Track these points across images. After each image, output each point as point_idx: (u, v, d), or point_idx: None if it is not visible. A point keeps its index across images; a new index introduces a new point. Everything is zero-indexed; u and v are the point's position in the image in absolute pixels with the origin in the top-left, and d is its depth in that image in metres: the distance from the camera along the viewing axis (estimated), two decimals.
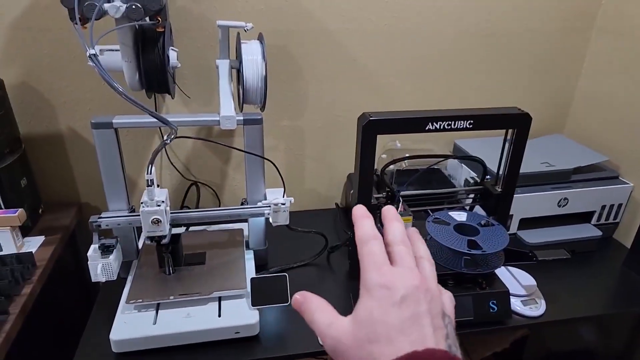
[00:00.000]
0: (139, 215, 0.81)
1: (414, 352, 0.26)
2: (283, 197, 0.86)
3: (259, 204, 0.87)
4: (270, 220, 0.86)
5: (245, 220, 0.93)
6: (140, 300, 0.76)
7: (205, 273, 0.83)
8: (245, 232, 0.96)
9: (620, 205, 1.04)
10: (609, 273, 0.98)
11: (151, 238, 0.78)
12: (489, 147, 1.04)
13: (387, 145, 1.18)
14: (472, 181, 0.97)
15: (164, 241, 0.79)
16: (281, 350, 0.77)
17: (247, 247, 0.94)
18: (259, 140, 0.84)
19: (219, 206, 1.15)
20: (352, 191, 0.93)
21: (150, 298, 0.76)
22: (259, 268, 0.93)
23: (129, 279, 0.83)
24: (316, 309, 0.33)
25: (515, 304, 0.84)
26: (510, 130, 0.84)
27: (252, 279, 0.79)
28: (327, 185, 1.20)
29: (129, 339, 0.71)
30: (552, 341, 0.96)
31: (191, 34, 0.97)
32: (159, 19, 0.71)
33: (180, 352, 0.73)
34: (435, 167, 1.22)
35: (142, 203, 0.72)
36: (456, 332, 0.31)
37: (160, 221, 0.74)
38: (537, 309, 0.84)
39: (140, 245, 0.91)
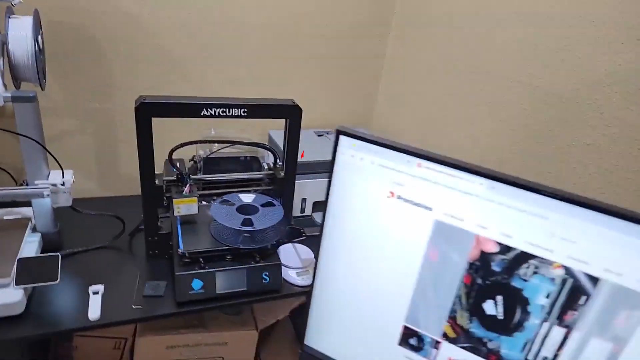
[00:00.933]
0: None
1: None
2: (63, 177, 0.86)
3: (38, 183, 0.85)
4: (50, 201, 0.86)
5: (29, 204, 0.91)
6: None
7: None
8: (30, 215, 0.93)
9: None
10: None
11: None
12: (302, 138, 1.14)
13: (203, 133, 1.22)
14: (266, 167, 1.06)
15: None
16: (50, 326, 0.77)
17: (35, 230, 0.92)
18: (33, 118, 0.82)
19: None
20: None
21: None
22: (50, 252, 0.91)
23: None
24: None
25: (291, 275, 0.94)
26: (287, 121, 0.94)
27: (19, 259, 0.78)
28: None
29: None
30: None
31: None
32: None
33: None
34: (255, 155, 1.30)
35: None
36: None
37: None
38: (308, 279, 0.95)
39: None
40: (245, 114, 0.87)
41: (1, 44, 0.81)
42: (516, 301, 0.58)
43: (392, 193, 0.57)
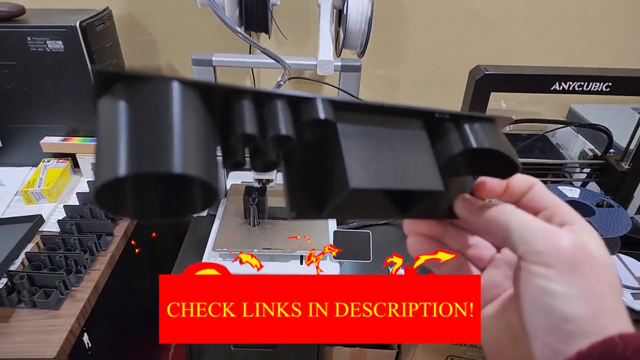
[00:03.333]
0: None
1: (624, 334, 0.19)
2: None
3: None
4: None
5: None
6: (226, 249, 0.77)
7: (289, 228, 0.82)
8: None
9: None
10: None
11: (259, 180, 0.78)
12: (614, 116, 0.91)
13: (490, 105, 1.07)
14: (590, 154, 0.85)
15: (270, 185, 0.79)
16: None
17: None
18: (354, 89, 0.79)
19: None
20: None
21: (235, 248, 0.77)
22: (338, 222, 0.91)
23: (215, 225, 0.83)
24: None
25: (624, 297, 0.75)
26: None
27: (336, 232, 0.78)
28: None
29: None
30: None
31: None
32: None
33: None
34: (543, 133, 1.09)
35: None
36: None
37: None
38: None
39: (227, 186, 0.93)
40: (608, 89, 0.67)
41: (332, 9, 0.78)
42: None
43: None
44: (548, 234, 0.21)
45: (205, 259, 0.77)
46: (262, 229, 0.82)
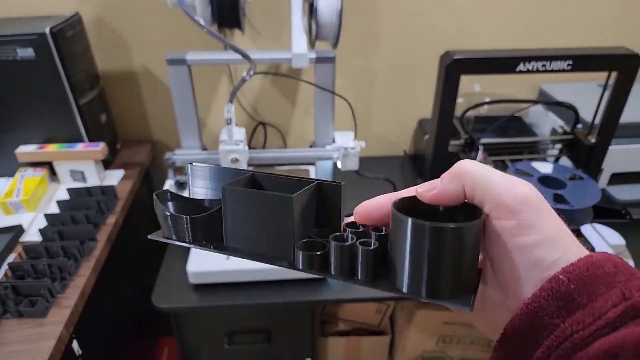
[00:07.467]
0: (211, 153, 0.83)
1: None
2: (353, 140, 0.83)
3: (328, 147, 0.85)
4: (339, 165, 0.84)
5: (312, 164, 0.92)
6: None
7: None
8: (312, 176, 0.95)
9: None
10: None
11: None
12: (581, 94, 0.95)
13: (465, 89, 1.09)
14: (560, 130, 0.89)
15: None
16: (348, 293, 0.78)
17: None
18: (330, 79, 0.80)
19: (285, 148, 1.14)
20: (425, 137, 0.88)
21: None
22: None
23: None
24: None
25: None
26: (613, 73, 0.74)
27: None
28: (396, 130, 1.15)
29: (204, 272, 0.74)
30: None
31: None
32: None
33: (254, 288, 0.76)
34: (515, 114, 1.13)
35: (221, 141, 0.73)
36: None
37: (239, 160, 0.75)
38: None
39: None
40: (570, 67, 0.70)
41: (303, 2, 0.79)
42: None
43: None
44: (509, 184, 0.22)
45: (192, 255, 0.77)
46: None
